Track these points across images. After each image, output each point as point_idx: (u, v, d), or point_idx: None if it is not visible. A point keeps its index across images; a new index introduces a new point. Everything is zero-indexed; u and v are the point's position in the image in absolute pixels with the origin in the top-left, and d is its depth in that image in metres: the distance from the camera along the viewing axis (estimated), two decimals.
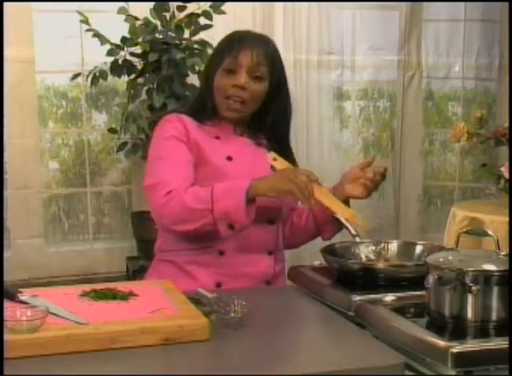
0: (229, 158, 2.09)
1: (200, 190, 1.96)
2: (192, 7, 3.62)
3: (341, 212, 2.00)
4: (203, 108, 2.16)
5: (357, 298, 1.75)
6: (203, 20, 3.59)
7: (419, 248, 2.08)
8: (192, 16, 3.59)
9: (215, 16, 3.58)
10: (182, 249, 2.10)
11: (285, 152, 2.20)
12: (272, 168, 2.03)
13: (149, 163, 2.11)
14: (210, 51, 3.32)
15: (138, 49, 3.59)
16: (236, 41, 2.12)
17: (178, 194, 1.96)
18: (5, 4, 3.17)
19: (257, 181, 1.95)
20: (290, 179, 1.89)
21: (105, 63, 3.63)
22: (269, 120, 2.18)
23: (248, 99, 2.10)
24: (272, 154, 2.04)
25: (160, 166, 2.05)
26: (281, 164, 2.03)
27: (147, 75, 3.59)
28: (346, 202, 2.12)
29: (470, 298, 1.56)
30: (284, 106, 2.20)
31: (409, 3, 4.29)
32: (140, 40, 3.56)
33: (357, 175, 2.11)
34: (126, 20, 3.60)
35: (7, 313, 1.50)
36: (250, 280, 2.08)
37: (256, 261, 2.10)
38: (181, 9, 3.58)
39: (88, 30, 3.56)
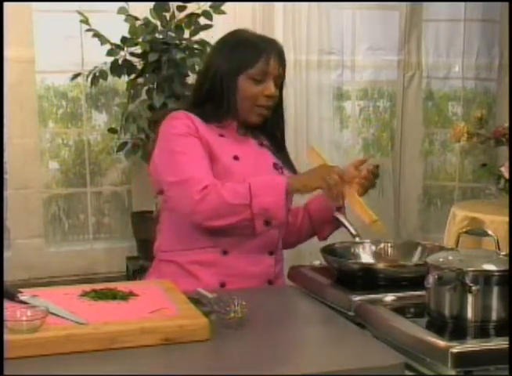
0: (236, 158, 2.10)
1: (238, 186, 1.97)
2: (192, 7, 3.62)
3: (366, 216, 1.99)
4: (217, 109, 2.13)
5: (357, 298, 1.75)
6: (203, 20, 3.59)
7: (419, 248, 2.08)
8: (192, 16, 3.59)
9: (215, 16, 3.58)
10: (184, 249, 2.10)
11: (283, 153, 2.23)
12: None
13: (167, 159, 2.07)
14: None
15: (138, 49, 3.59)
16: (262, 47, 2.12)
17: (216, 189, 1.96)
18: (5, 4, 3.17)
19: (293, 178, 2.01)
20: (323, 177, 1.94)
21: (105, 63, 3.63)
22: (272, 121, 2.20)
23: (273, 105, 2.15)
24: (311, 146, 2.14)
25: (184, 161, 2.03)
26: (317, 157, 2.10)
27: (147, 75, 3.59)
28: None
29: (470, 298, 1.56)
30: (282, 107, 2.24)
31: (409, 3, 4.29)
32: (140, 40, 3.56)
33: (352, 174, 2.11)
34: (126, 20, 3.60)
35: (7, 313, 1.50)
36: (253, 279, 2.08)
37: (258, 261, 2.10)
38: (181, 9, 3.58)
39: (88, 30, 3.56)
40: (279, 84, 2.16)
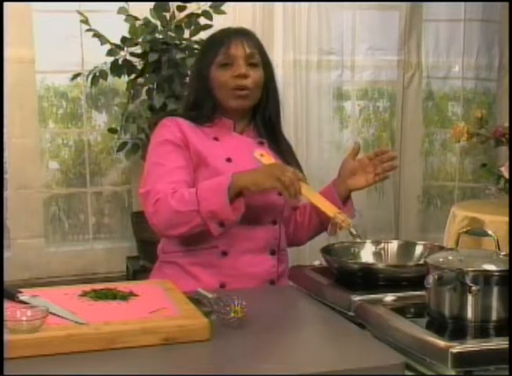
0: (229, 160, 2.10)
1: (186, 192, 1.98)
2: (192, 7, 3.62)
3: (327, 210, 1.98)
4: (201, 108, 2.16)
5: (357, 298, 1.75)
6: (203, 20, 3.59)
7: (419, 248, 2.08)
8: (192, 16, 3.59)
9: (215, 16, 3.59)
10: (184, 250, 2.10)
11: (280, 146, 2.22)
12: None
13: (145, 169, 2.13)
14: None
15: (138, 49, 3.59)
16: (223, 35, 2.18)
17: (165, 200, 1.97)
18: (5, 4, 3.17)
19: (239, 175, 1.95)
20: (276, 176, 1.90)
21: (105, 63, 3.63)
22: (267, 112, 2.20)
23: (251, 85, 2.13)
24: (259, 151, 2.06)
25: (153, 173, 2.07)
26: (267, 160, 2.04)
27: (147, 75, 3.59)
28: (349, 197, 2.16)
29: (470, 298, 1.56)
30: (276, 97, 2.23)
31: (409, 3, 4.29)
32: (140, 40, 3.56)
33: (354, 167, 2.14)
34: (126, 20, 3.60)
35: (7, 313, 1.50)
36: (254, 280, 2.08)
37: (259, 261, 2.10)
38: (181, 9, 3.58)
39: (88, 30, 3.56)
40: (257, 64, 2.15)
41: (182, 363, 1.45)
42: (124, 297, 1.71)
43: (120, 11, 3.60)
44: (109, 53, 3.58)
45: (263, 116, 2.20)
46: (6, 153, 3.70)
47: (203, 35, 3.57)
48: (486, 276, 1.57)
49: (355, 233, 2.06)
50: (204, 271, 2.07)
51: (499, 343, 1.45)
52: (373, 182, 2.15)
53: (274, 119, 2.23)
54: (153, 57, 3.49)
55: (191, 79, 2.31)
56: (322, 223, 2.23)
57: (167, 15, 3.61)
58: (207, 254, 2.07)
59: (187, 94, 2.29)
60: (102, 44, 3.56)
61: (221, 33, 2.21)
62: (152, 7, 3.61)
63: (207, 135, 2.14)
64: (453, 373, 1.41)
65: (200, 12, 3.59)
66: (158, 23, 3.60)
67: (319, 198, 2.00)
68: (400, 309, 1.68)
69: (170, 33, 3.58)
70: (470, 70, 4.43)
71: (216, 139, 2.14)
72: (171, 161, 2.07)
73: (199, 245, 2.07)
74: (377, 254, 2.08)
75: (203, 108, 2.16)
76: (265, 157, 2.04)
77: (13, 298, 1.66)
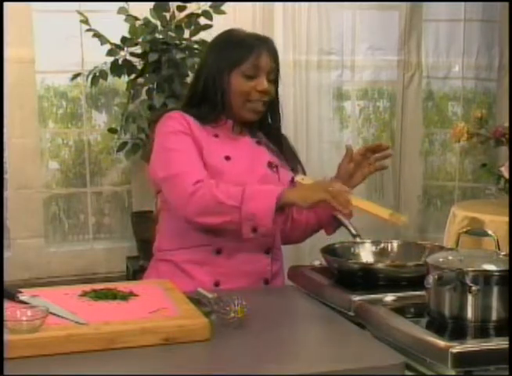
0: (227, 158, 2.10)
1: (231, 187, 1.97)
2: (192, 7, 3.62)
3: (381, 213, 1.98)
4: (207, 108, 2.15)
5: (357, 298, 1.75)
6: (203, 20, 3.59)
7: (419, 248, 2.08)
8: (192, 16, 3.59)
9: (215, 16, 3.58)
10: (179, 248, 2.11)
11: (281, 146, 2.23)
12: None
13: (159, 156, 2.10)
14: None
15: (138, 49, 3.59)
16: (252, 43, 2.13)
17: (209, 186, 1.96)
18: (5, 4, 3.17)
19: (289, 189, 1.99)
20: (324, 188, 1.92)
21: (105, 63, 3.63)
22: (269, 117, 2.21)
23: (268, 101, 2.15)
24: (300, 176, 2.10)
25: (176, 157, 2.05)
26: (308, 181, 2.07)
27: (147, 75, 3.59)
28: None
29: (470, 298, 1.56)
30: (278, 100, 2.23)
31: (409, 3, 4.28)
32: (140, 40, 3.56)
33: (351, 170, 2.16)
34: (126, 20, 3.60)
35: (7, 313, 1.50)
36: (248, 278, 2.08)
37: (253, 259, 2.10)
38: (181, 9, 3.58)
39: (88, 30, 3.56)
40: (273, 80, 2.16)
41: (182, 363, 1.45)
42: (124, 297, 1.72)
43: (120, 11, 3.60)
44: (109, 53, 3.58)
45: (262, 119, 2.20)
46: (6, 153, 3.70)
47: (203, 35, 3.58)
48: (486, 276, 1.57)
49: (354, 232, 2.07)
50: (199, 269, 2.07)
51: (499, 343, 1.45)
52: (368, 173, 2.18)
53: (273, 121, 2.23)
54: (153, 57, 3.49)
55: (199, 74, 2.20)
56: (320, 223, 2.23)
57: (167, 15, 3.60)
58: (202, 251, 2.08)
59: (192, 88, 2.24)
60: (102, 44, 3.55)
61: (251, 38, 2.16)
62: (152, 7, 3.60)
63: (208, 131, 2.14)
64: (453, 373, 1.41)
65: (200, 12, 3.59)
66: (158, 23, 3.60)
67: (369, 204, 2.01)
68: (400, 309, 1.68)
69: (170, 33, 3.57)
70: (470, 70, 4.42)
71: (216, 136, 2.14)
72: (189, 149, 2.06)
73: (193, 243, 2.08)
74: (377, 255, 2.08)
75: (208, 108, 2.15)
76: (306, 179, 2.09)
77: (13, 298, 1.66)
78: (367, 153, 2.17)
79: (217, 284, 2.06)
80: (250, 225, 1.94)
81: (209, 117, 2.14)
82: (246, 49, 2.12)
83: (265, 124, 2.23)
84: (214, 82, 2.13)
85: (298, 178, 2.09)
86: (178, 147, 2.06)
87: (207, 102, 2.15)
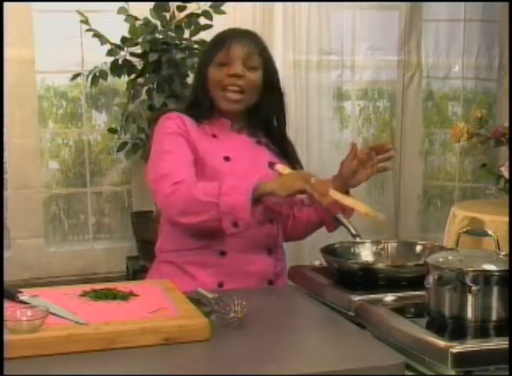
0: (227, 158, 2.10)
1: (208, 184, 1.97)
2: (192, 7, 3.62)
3: (358, 207, 1.98)
4: (199, 106, 2.18)
5: (357, 298, 1.75)
6: (203, 20, 3.59)
7: (419, 248, 2.08)
8: (192, 16, 3.59)
9: (215, 16, 3.58)
10: (182, 249, 2.10)
11: (283, 148, 2.22)
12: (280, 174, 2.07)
13: (152, 157, 2.12)
14: None
15: (138, 49, 3.59)
16: (225, 36, 2.18)
17: (186, 185, 1.97)
18: (5, 4, 3.17)
19: (265, 182, 1.96)
20: (303, 178, 1.91)
21: (105, 63, 3.63)
22: (265, 114, 2.20)
23: (246, 87, 2.12)
24: (281, 166, 2.07)
25: (165, 159, 2.06)
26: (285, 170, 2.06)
27: (147, 75, 3.59)
28: (347, 193, 2.14)
29: (470, 298, 1.56)
30: (278, 100, 2.22)
31: (409, 3, 4.29)
32: (140, 40, 3.56)
33: (354, 167, 2.14)
34: (126, 20, 3.60)
35: (7, 313, 1.50)
36: (252, 279, 2.08)
37: (256, 260, 2.10)
38: (181, 9, 3.58)
39: (88, 30, 3.56)
40: (258, 68, 2.14)
41: (182, 363, 1.45)
42: (124, 297, 1.71)
43: (120, 11, 3.60)
44: (109, 53, 3.58)
45: (260, 117, 2.20)
46: (6, 153, 3.70)
47: (203, 35, 3.58)
48: (486, 276, 1.57)
49: (354, 232, 2.06)
50: (201, 270, 2.07)
51: (499, 343, 1.45)
52: (371, 174, 2.15)
53: (272, 120, 2.22)
54: (153, 57, 3.49)
55: (193, 78, 2.33)
56: (322, 220, 2.23)
57: (167, 15, 3.61)
58: (205, 253, 2.07)
59: (190, 89, 2.32)
60: (102, 44, 3.56)
61: (225, 33, 2.22)
62: (152, 7, 3.61)
63: (206, 132, 2.15)
64: (453, 373, 1.41)
65: (200, 12, 3.59)
66: (158, 23, 3.60)
67: (347, 199, 2.00)
68: (400, 309, 1.68)
69: (170, 33, 3.58)
70: (470, 70, 4.42)
71: (215, 136, 2.15)
72: (180, 150, 2.07)
73: (196, 244, 2.07)
74: (377, 254, 2.08)
75: (201, 107, 2.17)
76: (287, 171, 2.06)
77: (13, 298, 1.66)
78: (372, 152, 2.14)
79: (220, 285, 2.06)
80: (230, 219, 1.94)
81: (204, 114, 2.16)
82: (220, 40, 2.17)
83: (269, 126, 2.22)
84: (198, 82, 2.20)
85: (279, 167, 2.06)
86: (171, 149, 2.08)
87: (198, 102, 2.18)
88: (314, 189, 1.89)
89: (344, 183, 2.14)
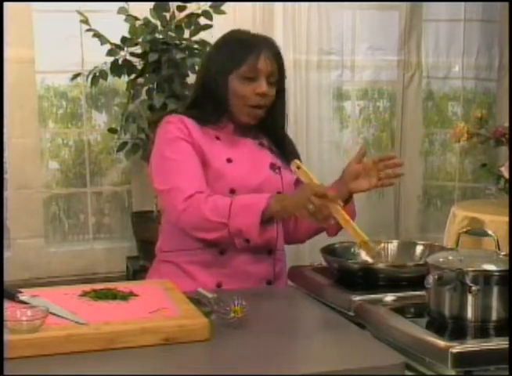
0: (229, 160, 2.09)
1: (219, 202, 1.97)
2: (192, 7, 3.62)
3: (355, 236, 1.91)
4: (207, 110, 2.13)
5: (357, 298, 1.75)
6: (203, 20, 3.59)
7: (419, 248, 2.08)
8: (192, 16, 3.59)
9: (215, 16, 3.58)
10: (181, 249, 2.10)
11: (284, 148, 2.22)
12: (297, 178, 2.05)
13: (156, 165, 2.10)
14: None
15: (138, 49, 3.59)
16: (252, 44, 2.11)
17: (197, 202, 1.97)
18: (5, 4, 3.17)
19: (275, 199, 1.94)
20: (303, 204, 1.86)
21: (105, 63, 3.63)
22: (271, 119, 2.18)
23: (267, 104, 2.12)
24: (296, 163, 2.01)
25: (173, 168, 2.05)
26: (304, 174, 1.99)
27: (147, 75, 3.59)
28: (350, 197, 2.13)
29: (470, 298, 1.56)
30: (283, 104, 2.21)
31: (409, 3, 4.28)
32: (140, 40, 3.56)
33: (358, 171, 2.10)
34: (126, 20, 3.60)
35: (7, 313, 1.50)
36: (251, 279, 2.08)
37: (256, 260, 2.10)
38: (181, 9, 3.58)
39: (88, 30, 3.56)
40: (275, 83, 2.13)
41: (182, 363, 1.45)
42: (124, 297, 1.72)
43: (120, 11, 3.60)
44: (109, 53, 3.58)
45: (264, 121, 2.18)
46: (6, 153, 3.70)
47: (203, 35, 3.58)
48: (486, 276, 1.57)
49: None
50: (201, 270, 2.07)
51: (499, 343, 1.46)
52: (375, 186, 2.10)
53: (276, 124, 2.21)
54: (153, 57, 3.49)
55: (201, 76, 2.21)
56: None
57: (167, 15, 3.60)
58: (204, 253, 2.07)
59: (194, 89, 2.23)
60: (102, 44, 3.55)
61: (250, 39, 2.14)
62: (152, 7, 3.60)
63: (209, 134, 2.13)
64: (453, 373, 1.41)
65: (200, 12, 3.59)
66: (158, 23, 3.60)
67: (348, 222, 1.91)
68: (400, 309, 1.68)
69: (170, 33, 3.57)
70: (470, 70, 4.42)
71: (218, 138, 2.13)
72: (187, 157, 2.06)
73: (196, 244, 2.07)
74: (377, 254, 2.08)
75: (210, 110, 2.13)
76: (301, 170, 2.00)
77: (13, 298, 1.66)
78: (380, 163, 2.09)
79: (219, 285, 2.06)
80: (241, 238, 1.97)
81: (210, 119, 2.13)
82: (246, 50, 2.09)
83: (269, 127, 2.21)
84: (214, 84, 2.11)
85: (293, 166, 2.02)
86: (175, 156, 2.06)
87: (209, 103, 2.13)
88: (314, 215, 1.85)
89: (345, 187, 2.11)
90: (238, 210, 1.94)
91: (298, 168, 2.00)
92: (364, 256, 2.06)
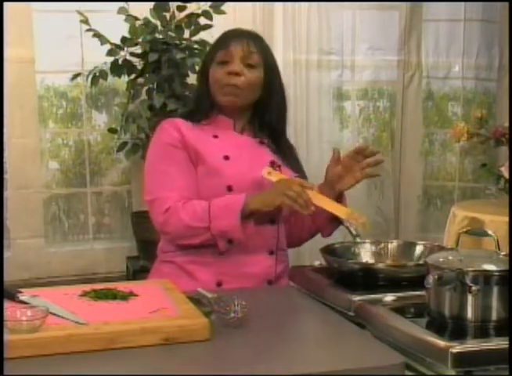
0: (226, 157, 2.11)
1: (198, 206, 2.02)
2: (192, 7, 3.62)
3: (340, 212, 2.02)
4: (199, 106, 2.21)
5: (357, 298, 1.75)
6: (203, 20, 3.59)
7: (419, 248, 2.08)
8: (192, 16, 3.59)
9: (215, 16, 3.58)
10: (182, 249, 2.11)
11: (283, 148, 2.22)
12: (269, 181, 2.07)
13: (146, 174, 2.16)
14: None
15: (138, 49, 3.59)
16: (227, 35, 2.22)
17: (176, 212, 2.02)
18: (5, 4, 3.17)
19: (251, 197, 2.00)
20: (282, 192, 1.94)
21: (105, 63, 3.63)
22: (267, 114, 2.20)
23: (244, 85, 2.14)
24: (267, 169, 2.07)
25: (156, 179, 2.10)
26: (276, 176, 2.05)
27: (147, 75, 3.59)
28: (340, 195, 2.16)
29: (470, 298, 1.56)
30: (280, 100, 2.23)
31: (409, 3, 4.28)
32: (140, 40, 3.56)
33: (339, 172, 2.14)
34: (126, 20, 3.60)
35: (7, 313, 1.50)
36: (251, 279, 2.09)
37: (256, 260, 2.10)
38: (181, 9, 3.58)
39: (88, 30, 3.56)
40: (255, 66, 2.16)
41: (182, 363, 1.45)
42: (124, 297, 1.72)
43: (120, 11, 3.60)
44: (109, 53, 3.58)
45: (262, 117, 2.21)
46: (6, 153, 3.70)
47: (203, 35, 3.58)
48: (486, 276, 1.57)
49: (354, 232, 2.07)
50: (201, 270, 2.08)
51: (499, 343, 1.45)
52: (361, 178, 2.13)
53: (274, 121, 2.22)
54: (153, 57, 3.49)
55: (196, 79, 2.36)
56: (317, 226, 2.23)
57: (167, 15, 3.60)
58: (205, 252, 2.08)
59: (192, 94, 2.36)
60: (102, 44, 3.55)
61: (227, 33, 2.24)
62: (152, 7, 3.61)
63: (206, 132, 2.15)
64: (453, 373, 1.41)
65: (200, 12, 3.59)
66: (158, 23, 3.60)
67: (329, 203, 2.02)
68: (400, 309, 1.68)
69: (170, 33, 3.57)
70: (470, 70, 4.42)
71: (215, 136, 2.16)
72: (173, 166, 2.09)
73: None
74: (377, 254, 2.08)
75: (201, 105, 2.20)
76: (273, 174, 2.06)
77: (13, 298, 1.66)
78: (357, 156, 2.12)
79: (219, 284, 2.06)
80: (224, 240, 2.02)
81: (199, 114, 2.19)
82: (221, 42, 2.21)
83: (271, 126, 2.22)
84: (200, 80, 2.25)
85: (264, 172, 2.05)
86: (161, 167, 2.11)
87: (199, 100, 2.22)
88: (294, 201, 1.91)
89: (332, 188, 2.14)
90: (217, 212, 1.99)
91: (269, 173, 2.05)
92: (364, 256, 2.07)
